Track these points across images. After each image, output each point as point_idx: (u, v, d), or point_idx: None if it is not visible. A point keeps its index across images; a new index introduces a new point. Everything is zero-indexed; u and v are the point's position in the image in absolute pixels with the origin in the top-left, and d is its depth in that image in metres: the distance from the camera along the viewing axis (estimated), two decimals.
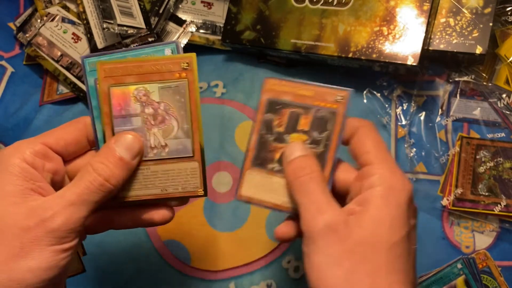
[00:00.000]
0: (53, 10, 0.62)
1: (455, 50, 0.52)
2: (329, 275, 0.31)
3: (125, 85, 0.35)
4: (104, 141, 0.35)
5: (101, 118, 0.35)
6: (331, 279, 0.31)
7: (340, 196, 0.36)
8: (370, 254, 0.31)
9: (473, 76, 0.56)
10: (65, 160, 0.36)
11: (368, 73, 0.58)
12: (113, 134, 0.35)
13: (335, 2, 0.54)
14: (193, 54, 0.35)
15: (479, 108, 0.56)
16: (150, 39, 0.58)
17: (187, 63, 0.34)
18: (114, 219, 0.37)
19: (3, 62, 0.65)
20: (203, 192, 0.37)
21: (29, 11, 0.65)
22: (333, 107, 0.36)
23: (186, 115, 0.35)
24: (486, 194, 0.53)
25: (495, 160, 0.54)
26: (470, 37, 0.52)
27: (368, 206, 0.32)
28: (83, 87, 0.60)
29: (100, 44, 0.59)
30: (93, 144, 0.37)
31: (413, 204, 0.34)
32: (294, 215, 0.36)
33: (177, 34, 0.60)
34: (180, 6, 0.62)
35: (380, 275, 0.31)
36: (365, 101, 0.58)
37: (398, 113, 0.57)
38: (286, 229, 0.37)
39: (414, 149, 0.56)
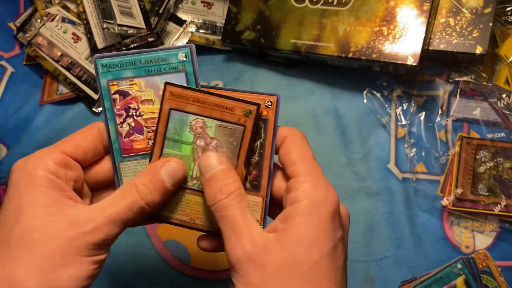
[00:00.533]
0: (53, 10, 0.62)
1: (455, 50, 0.52)
2: None
3: (185, 112, 0.35)
4: (151, 159, 0.35)
5: (155, 136, 0.35)
6: None
7: (279, 203, 0.36)
8: (290, 277, 0.30)
9: (473, 76, 0.56)
10: (83, 167, 0.36)
11: (368, 73, 0.58)
12: (161, 154, 0.35)
13: (335, 2, 0.54)
14: (259, 105, 0.34)
15: (479, 108, 0.56)
16: (150, 39, 0.58)
17: (250, 110, 0.34)
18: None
19: (3, 62, 0.65)
20: None
21: (29, 11, 0.65)
22: (241, 122, 0.34)
23: (233, 158, 0.35)
24: (486, 194, 0.53)
25: (495, 160, 0.54)
26: (470, 37, 0.52)
27: (290, 223, 0.32)
28: (83, 87, 0.60)
29: (100, 44, 0.59)
30: (107, 150, 0.37)
31: (338, 216, 0.33)
32: (207, 233, 0.36)
33: (177, 34, 0.60)
34: (180, 6, 0.62)
35: None
36: (365, 101, 0.58)
37: (398, 113, 0.57)
38: (206, 242, 0.37)
39: (414, 149, 0.56)
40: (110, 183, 0.37)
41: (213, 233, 0.36)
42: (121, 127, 0.36)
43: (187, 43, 0.60)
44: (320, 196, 0.32)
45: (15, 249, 0.31)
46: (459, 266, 0.51)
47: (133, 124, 0.36)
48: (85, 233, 0.31)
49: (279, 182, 0.36)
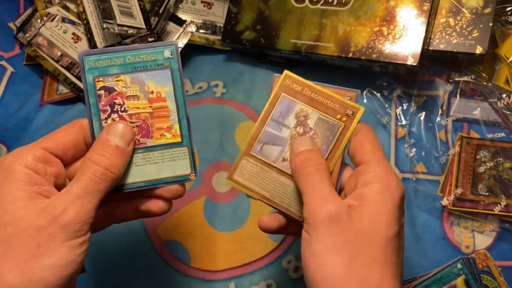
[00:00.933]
0: (53, 10, 0.62)
1: (455, 50, 0.52)
2: (328, 262, 0.32)
3: (295, 100, 0.38)
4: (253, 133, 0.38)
5: (262, 114, 0.38)
6: (331, 266, 0.32)
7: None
8: (368, 246, 0.32)
9: (473, 76, 0.56)
10: (65, 164, 0.37)
11: (368, 73, 0.58)
12: (262, 131, 0.38)
13: (335, 2, 0.54)
14: (362, 109, 0.38)
15: (479, 108, 0.56)
16: (150, 39, 0.58)
17: (352, 112, 0.38)
18: (115, 213, 0.38)
19: (3, 62, 0.65)
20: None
21: (29, 11, 0.65)
22: (342, 120, 0.38)
23: (326, 150, 0.38)
24: (486, 194, 0.53)
25: (495, 160, 0.54)
26: (470, 37, 0.52)
27: (366, 201, 0.34)
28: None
29: (100, 44, 0.59)
30: (90, 146, 0.37)
31: (404, 203, 0.35)
32: (279, 212, 0.38)
33: (177, 34, 0.60)
34: (180, 6, 0.62)
35: (376, 267, 0.32)
36: (365, 101, 0.58)
37: (398, 113, 0.57)
38: (269, 220, 0.39)
39: (414, 149, 0.56)
40: None
41: (288, 215, 0.38)
42: (106, 122, 0.36)
43: (187, 43, 0.60)
44: (392, 181, 0.34)
45: None
46: (459, 266, 0.51)
47: (117, 120, 0.36)
48: (55, 217, 0.31)
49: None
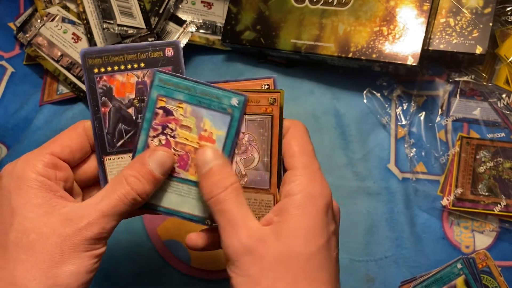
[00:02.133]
0: (53, 10, 0.62)
1: (455, 50, 0.52)
2: None
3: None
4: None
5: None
6: None
7: None
8: (287, 268, 0.31)
9: (473, 76, 0.56)
10: (71, 167, 0.37)
11: (368, 73, 0.58)
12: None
13: (335, 2, 0.54)
14: (282, 91, 0.35)
15: (479, 108, 0.56)
16: (150, 39, 0.58)
17: (274, 98, 0.35)
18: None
19: (3, 62, 0.65)
20: None
21: (29, 11, 0.65)
22: (268, 111, 0.35)
23: (267, 148, 0.36)
24: (486, 194, 0.53)
25: (495, 160, 0.54)
26: (470, 37, 0.52)
27: (285, 216, 0.32)
28: (83, 87, 0.60)
29: (100, 44, 0.59)
30: (94, 148, 0.37)
31: (332, 209, 0.34)
32: (186, 220, 0.36)
33: (177, 34, 0.60)
34: (180, 6, 0.62)
35: (300, 287, 0.31)
36: (365, 101, 0.58)
37: (398, 113, 0.57)
38: (197, 237, 0.38)
39: (414, 149, 0.56)
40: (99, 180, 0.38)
41: (202, 222, 0.37)
42: (152, 140, 0.36)
43: (187, 43, 0.60)
44: (315, 189, 0.33)
45: (13, 251, 0.31)
46: (459, 266, 0.51)
47: (163, 142, 0.36)
48: (80, 229, 0.32)
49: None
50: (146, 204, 0.36)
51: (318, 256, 0.32)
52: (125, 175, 0.34)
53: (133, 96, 0.36)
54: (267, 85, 0.37)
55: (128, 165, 0.35)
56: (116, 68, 0.36)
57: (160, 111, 0.35)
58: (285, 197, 0.33)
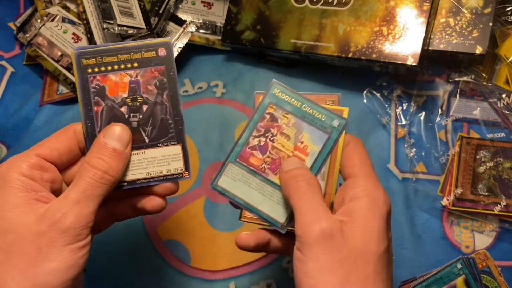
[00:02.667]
0: (53, 10, 0.62)
1: (455, 50, 0.52)
2: (323, 282, 0.31)
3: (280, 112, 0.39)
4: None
5: (248, 122, 0.38)
6: (325, 285, 0.31)
7: None
8: (361, 263, 0.32)
9: (473, 76, 0.56)
10: (60, 169, 0.37)
11: (368, 73, 0.58)
12: (246, 139, 0.38)
13: (335, 2, 0.54)
14: (346, 109, 0.38)
15: (479, 108, 0.56)
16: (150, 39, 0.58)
17: (338, 123, 0.38)
18: (115, 211, 0.39)
19: (3, 62, 0.65)
20: None
21: (29, 11, 0.65)
22: (327, 131, 0.38)
23: (328, 161, 0.39)
24: (486, 194, 0.53)
25: (495, 160, 0.54)
26: (470, 37, 0.52)
27: (356, 216, 0.34)
28: None
29: (100, 43, 0.59)
30: (84, 151, 0.38)
31: (390, 219, 0.35)
32: (262, 219, 0.38)
33: (177, 34, 0.60)
34: (180, 6, 0.62)
35: (369, 285, 0.32)
36: (365, 101, 0.58)
37: (398, 113, 0.57)
38: (246, 237, 0.38)
39: (414, 149, 0.56)
40: None
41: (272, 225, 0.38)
42: (253, 139, 0.38)
43: (187, 43, 0.60)
44: (380, 195, 0.34)
45: None
46: (459, 266, 0.51)
47: (262, 144, 0.38)
48: (55, 222, 0.31)
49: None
50: (226, 192, 0.38)
51: (384, 256, 0.33)
52: (86, 160, 0.34)
53: (126, 95, 0.36)
54: (332, 101, 0.40)
55: (89, 151, 0.35)
56: (109, 68, 0.36)
57: (267, 116, 0.38)
58: (351, 201, 0.34)
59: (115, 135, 0.35)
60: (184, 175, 0.38)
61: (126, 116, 0.36)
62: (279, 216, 0.38)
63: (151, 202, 0.38)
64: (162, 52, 0.36)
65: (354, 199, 0.34)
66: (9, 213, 0.32)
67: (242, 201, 0.38)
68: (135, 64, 0.36)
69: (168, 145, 0.37)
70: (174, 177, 0.38)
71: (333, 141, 0.37)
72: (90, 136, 0.36)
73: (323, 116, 0.37)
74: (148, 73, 0.36)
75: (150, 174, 0.37)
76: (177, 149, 0.37)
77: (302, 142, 0.38)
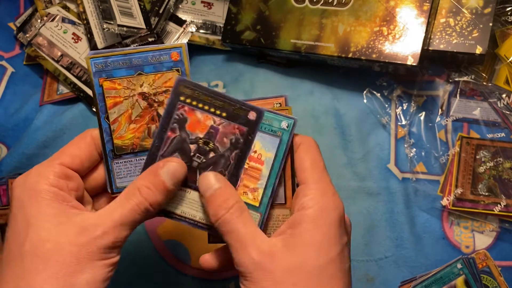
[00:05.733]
0: (53, 10, 0.62)
1: (455, 50, 0.52)
2: None
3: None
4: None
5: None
6: None
7: None
8: (299, 280, 0.32)
9: (473, 76, 0.56)
10: (81, 176, 0.37)
11: (368, 73, 0.58)
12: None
13: (335, 2, 0.54)
14: (289, 108, 0.37)
15: (479, 108, 0.56)
16: (150, 39, 0.58)
17: (287, 124, 0.37)
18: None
19: (3, 62, 0.65)
20: None
21: (29, 11, 0.65)
22: (277, 134, 0.37)
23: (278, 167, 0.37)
24: (486, 194, 0.53)
25: (495, 160, 0.54)
26: (470, 37, 0.52)
27: (299, 229, 0.33)
28: (83, 87, 0.60)
29: (100, 44, 0.59)
30: (102, 156, 0.38)
31: (344, 222, 0.35)
32: (209, 231, 0.37)
33: (177, 34, 0.60)
34: (180, 6, 0.62)
35: None
36: (365, 101, 0.58)
37: (398, 113, 0.57)
38: (210, 259, 0.39)
39: (414, 149, 0.56)
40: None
41: (211, 228, 0.37)
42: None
43: (187, 43, 0.60)
44: (328, 203, 0.34)
45: (30, 261, 0.31)
46: (459, 266, 0.51)
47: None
48: (95, 238, 0.32)
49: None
50: (168, 214, 0.37)
51: (330, 267, 0.32)
52: (139, 185, 0.34)
53: (201, 135, 0.37)
54: (279, 103, 0.38)
55: (141, 175, 0.35)
56: (200, 105, 0.36)
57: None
58: (298, 211, 0.34)
59: (171, 171, 0.35)
60: (213, 231, 0.37)
61: (192, 153, 0.37)
62: (209, 220, 0.37)
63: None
64: (252, 115, 0.37)
65: (301, 209, 0.34)
66: (47, 223, 0.32)
67: (172, 214, 0.37)
68: (224, 114, 0.36)
69: (250, 208, 0.37)
70: (202, 226, 0.37)
71: (285, 144, 0.37)
72: (151, 155, 0.36)
73: (271, 120, 0.36)
74: (230, 127, 0.36)
75: (184, 213, 0.37)
76: (256, 216, 0.37)
77: (255, 152, 0.37)
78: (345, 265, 0.34)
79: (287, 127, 0.36)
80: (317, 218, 0.33)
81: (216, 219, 0.34)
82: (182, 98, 0.36)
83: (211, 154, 0.37)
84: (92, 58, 0.37)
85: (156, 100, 0.38)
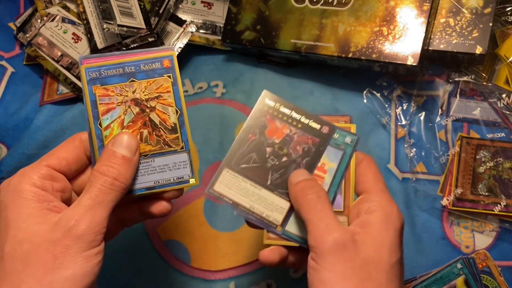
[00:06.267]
0: (53, 10, 0.62)
1: (455, 50, 0.52)
2: None
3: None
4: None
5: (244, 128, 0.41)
6: None
7: None
8: (374, 272, 0.33)
9: (473, 76, 0.56)
10: (69, 178, 0.38)
11: (368, 73, 0.58)
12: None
13: (335, 2, 0.54)
14: (353, 125, 0.41)
15: (479, 108, 0.56)
16: (150, 39, 0.58)
17: (351, 139, 0.41)
18: (124, 217, 0.40)
19: (3, 62, 0.65)
20: None
21: (29, 11, 0.65)
22: (341, 148, 0.41)
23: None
24: (486, 194, 0.53)
25: (495, 160, 0.54)
26: (470, 37, 0.52)
27: (370, 228, 0.35)
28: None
29: (100, 44, 0.59)
30: (90, 159, 0.39)
31: (403, 233, 0.37)
32: (258, 223, 0.39)
33: (177, 34, 0.60)
34: (180, 6, 0.62)
35: None
36: (365, 101, 0.58)
37: (398, 113, 0.57)
38: (270, 254, 0.39)
39: (414, 149, 0.56)
40: None
41: (273, 227, 0.40)
42: None
43: (187, 43, 0.60)
44: (394, 210, 0.36)
45: (9, 263, 0.32)
46: (459, 266, 0.51)
47: None
48: (69, 230, 0.32)
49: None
50: (222, 197, 0.39)
51: (397, 267, 0.35)
52: (97, 168, 0.35)
53: (277, 141, 0.41)
54: (344, 121, 0.44)
55: (98, 160, 0.36)
56: (280, 116, 0.41)
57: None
58: (366, 214, 0.36)
59: (124, 143, 0.36)
60: (278, 229, 0.40)
61: (267, 155, 0.40)
62: (275, 218, 0.39)
63: (158, 206, 0.39)
64: (325, 129, 0.41)
65: (369, 212, 0.36)
66: (23, 224, 0.32)
67: (240, 205, 0.39)
68: (299, 125, 0.41)
69: (281, 197, 0.40)
70: (267, 223, 0.39)
71: (348, 157, 0.40)
72: (231, 152, 0.40)
73: (336, 134, 0.40)
74: (304, 138, 0.41)
75: (253, 208, 0.40)
76: (285, 204, 0.39)
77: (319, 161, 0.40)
78: (403, 270, 0.36)
79: (351, 142, 0.40)
80: (385, 220, 0.35)
81: (304, 195, 0.36)
82: (265, 109, 0.41)
83: (284, 158, 0.40)
84: (86, 67, 0.38)
85: (148, 105, 0.38)
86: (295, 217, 0.39)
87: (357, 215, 0.37)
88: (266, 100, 0.41)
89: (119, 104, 0.38)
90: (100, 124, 0.38)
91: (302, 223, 0.38)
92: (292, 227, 0.39)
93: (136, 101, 0.38)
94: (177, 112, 0.39)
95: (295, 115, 0.41)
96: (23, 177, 0.34)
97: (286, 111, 0.41)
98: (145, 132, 0.38)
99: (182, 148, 0.39)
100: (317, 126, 0.41)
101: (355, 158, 0.40)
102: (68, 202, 0.36)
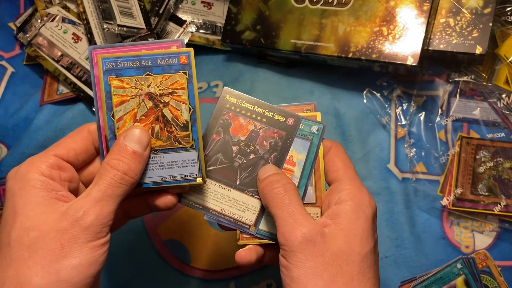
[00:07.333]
0: (53, 10, 0.62)
1: (455, 50, 0.52)
2: (309, 286, 0.32)
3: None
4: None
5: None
6: None
7: None
8: (345, 265, 0.33)
9: (472, 76, 0.56)
10: (76, 169, 0.38)
11: (368, 73, 0.58)
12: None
13: (335, 2, 0.54)
14: (318, 114, 0.40)
15: (479, 108, 0.56)
16: (150, 39, 0.58)
17: (317, 128, 0.40)
18: (129, 209, 0.40)
19: (4, 62, 0.65)
20: None
21: (29, 11, 0.65)
22: (308, 138, 0.40)
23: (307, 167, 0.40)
24: (486, 194, 0.53)
25: (495, 160, 0.54)
26: (470, 37, 0.52)
27: (340, 219, 0.35)
28: (83, 87, 0.60)
29: (100, 44, 0.59)
30: (98, 150, 0.38)
31: (375, 220, 0.37)
32: (231, 225, 0.39)
33: (177, 34, 0.60)
34: (180, 6, 0.62)
35: (355, 285, 0.33)
36: (365, 101, 0.58)
37: (398, 113, 0.57)
38: (246, 253, 0.39)
39: (414, 149, 0.56)
40: None
41: (245, 227, 0.39)
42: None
43: (187, 43, 0.60)
44: (364, 198, 0.36)
45: (16, 250, 0.32)
46: (459, 266, 0.51)
47: None
48: (77, 220, 0.32)
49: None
50: (195, 206, 0.39)
51: (369, 257, 0.34)
52: (107, 161, 0.35)
53: (243, 138, 0.40)
54: (309, 109, 0.41)
55: (108, 152, 0.36)
56: (243, 112, 0.40)
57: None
58: (336, 204, 0.36)
59: (135, 137, 0.36)
60: (251, 229, 0.39)
61: (233, 155, 0.40)
62: (248, 219, 0.39)
63: (163, 200, 0.39)
64: (290, 121, 0.40)
65: (339, 202, 0.36)
66: (31, 212, 0.33)
67: (210, 209, 0.39)
68: (264, 120, 0.40)
69: (252, 196, 0.39)
70: (240, 225, 0.39)
71: (316, 146, 0.39)
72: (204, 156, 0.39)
73: (302, 124, 0.40)
74: (270, 132, 0.40)
75: (224, 211, 0.39)
76: (257, 203, 0.39)
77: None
78: (377, 258, 0.36)
79: (317, 131, 0.39)
80: (356, 210, 0.35)
81: (271, 189, 0.36)
82: (227, 106, 0.40)
83: (251, 156, 0.40)
84: (103, 57, 0.37)
85: (162, 100, 0.38)
86: (267, 214, 0.39)
87: (328, 205, 0.37)
88: (227, 97, 0.40)
89: (133, 97, 0.38)
90: (113, 116, 0.38)
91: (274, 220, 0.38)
92: (265, 226, 0.39)
93: (150, 95, 0.38)
94: (190, 109, 0.38)
95: (258, 109, 0.40)
96: (31, 166, 0.35)
97: (249, 106, 0.40)
98: (157, 127, 0.38)
99: (192, 146, 0.39)
100: (282, 119, 0.40)
101: (323, 146, 0.39)
102: (75, 192, 0.37)
